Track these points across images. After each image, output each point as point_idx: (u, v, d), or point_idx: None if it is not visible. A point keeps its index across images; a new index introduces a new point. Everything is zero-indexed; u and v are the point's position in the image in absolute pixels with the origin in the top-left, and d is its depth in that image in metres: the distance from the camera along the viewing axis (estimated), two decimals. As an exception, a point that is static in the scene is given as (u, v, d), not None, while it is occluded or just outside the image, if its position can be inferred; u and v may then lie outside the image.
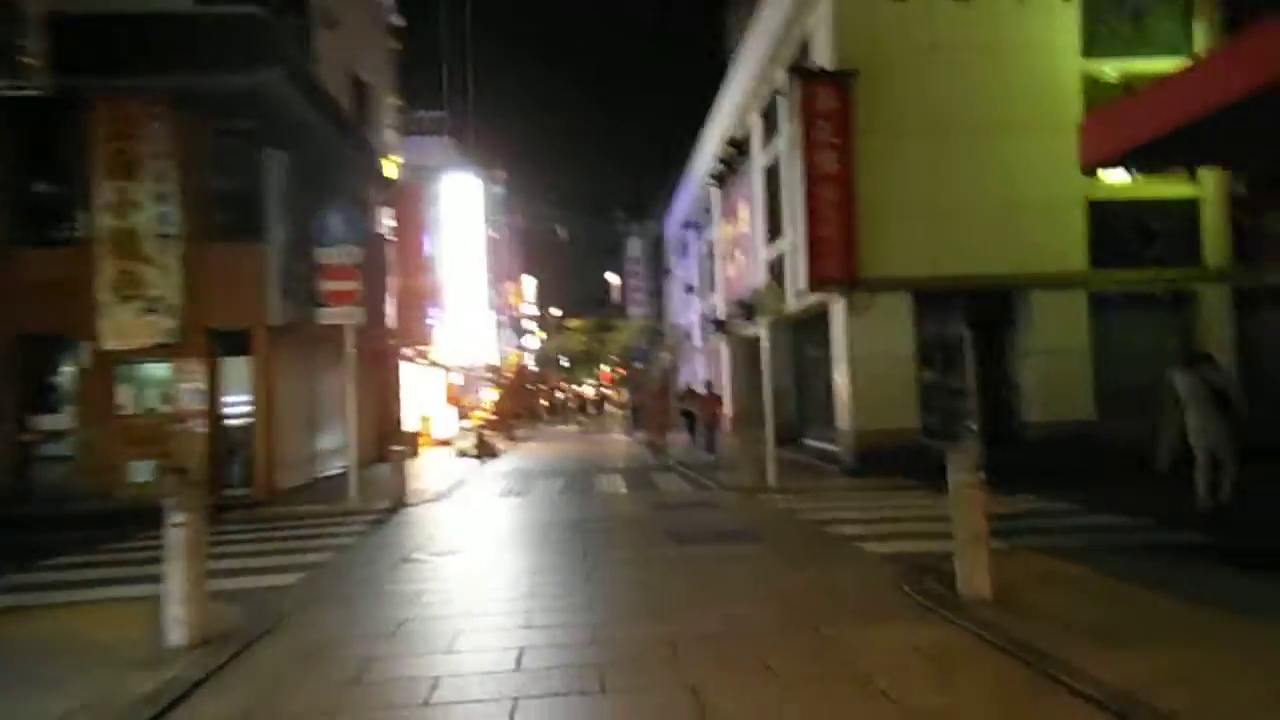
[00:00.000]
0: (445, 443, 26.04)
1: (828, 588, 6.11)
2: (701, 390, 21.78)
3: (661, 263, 46.02)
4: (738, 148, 22.15)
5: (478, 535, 8.99)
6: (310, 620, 5.78)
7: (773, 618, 5.37)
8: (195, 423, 12.92)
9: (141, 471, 12.83)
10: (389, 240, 20.62)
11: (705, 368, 31.03)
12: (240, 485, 13.22)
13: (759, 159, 19.93)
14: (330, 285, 11.72)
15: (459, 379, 30.35)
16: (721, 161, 23.89)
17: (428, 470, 17.61)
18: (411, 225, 21.02)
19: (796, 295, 15.75)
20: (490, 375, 35.91)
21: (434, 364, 25.86)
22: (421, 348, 23.33)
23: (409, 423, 22.39)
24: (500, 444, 24.82)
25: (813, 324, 16.73)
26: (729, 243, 24.33)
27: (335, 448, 17.12)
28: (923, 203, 13.90)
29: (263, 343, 13.13)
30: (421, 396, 25.35)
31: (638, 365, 45.35)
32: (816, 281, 13.48)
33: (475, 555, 7.78)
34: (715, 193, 26.27)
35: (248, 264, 13.00)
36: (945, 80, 13.90)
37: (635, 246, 49.40)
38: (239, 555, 8.28)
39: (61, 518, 11.89)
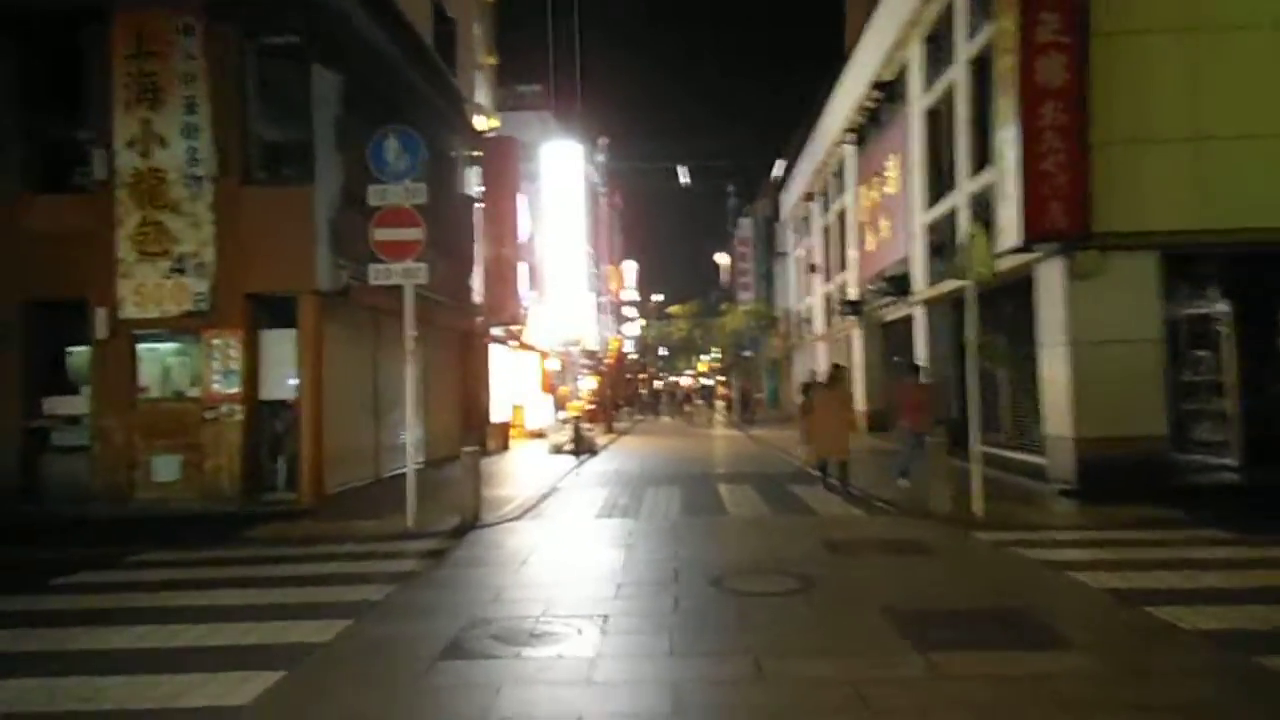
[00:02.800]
0: (539, 435, 23.41)
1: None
2: (819, 379, 18.29)
3: (774, 244, 42.40)
4: (886, 91, 18.48)
5: (572, 593, 5.94)
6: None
7: None
8: (229, 410, 10.41)
9: (165, 469, 10.41)
10: (477, 203, 17.96)
11: (827, 357, 27.43)
12: (283, 488, 10.67)
13: (919, 101, 16.27)
14: (383, 234, 8.92)
15: (555, 365, 27.72)
16: (864, 112, 20.24)
17: (514, 471, 14.82)
18: (504, 188, 18.30)
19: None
20: (589, 362, 33.21)
21: (527, 347, 23.21)
22: (514, 328, 20.66)
23: (498, 413, 19.77)
24: (599, 437, 21.99)
25: (997, 297, 13.07)
26: (868, 210, 20.69)
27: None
28: (1179, 129, 10.11)
29: (311, 312, 10.51)
30: (513, 383, 22.76)
31: (747, 354, 41.95)
32: (1034, 234, 9.87)
33: (570, 644, 4.70)
34: (851, 153, 22.61)
35: (293, 212, 10.40)
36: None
37: (746, 227, 45.86)
38: (216, 617, 5.48)
39: (70, 523, 9.56)
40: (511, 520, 9.29)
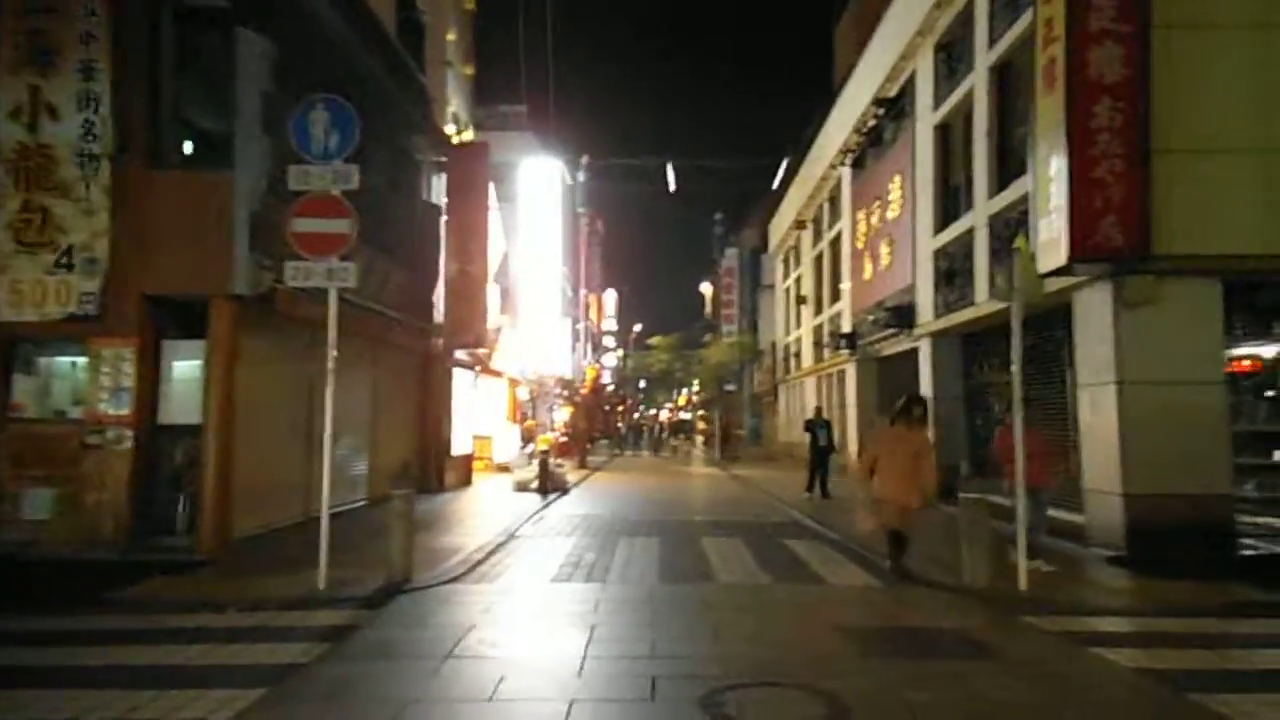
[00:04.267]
0: (506, 469, 21.63)
1: None
2: (815, 417, 16.72)
3: (760, 276, 41.07)
4: (889, 108, 17.16)
5: (507, 716, 4.23)
6: None
7: None
8: (116, 435, 8.62)
9: (35, 504, 8.57)
10: (443, 216, 16.34)
11: (816, 393, 25.91)
12: (184, 531, 8.85)
13: (928, 116, 14.91)
14: (304, 225, 7.25)
15: (525, 394, 25.98)
16: (863, 132, 18.91)
17: (470, 512, 13.03)
18: (472, 198, 16.69)
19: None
20: (563, 392, 31.48)
21: (493, 373, 21.48)
22: (480, 352, 18.94)
23: (461, 444, 17.98)
24: (571, 473, 20.23)
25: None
26: (867, 237, 19.28)
27: (350, 475, 12.76)
28: (1248, 139, 8.72)
29: (224, 319, 8.77)
30: (479, 412, 20.99)
31: (729, 388, 40.42)
32: (1081, 253, 8.37)
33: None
34: (848, 177, 21.28)
35: (207, 202, 8.71)
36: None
37: (731, 257, 44.49)
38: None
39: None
40: (450, 581, 7.53)
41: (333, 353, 7.30)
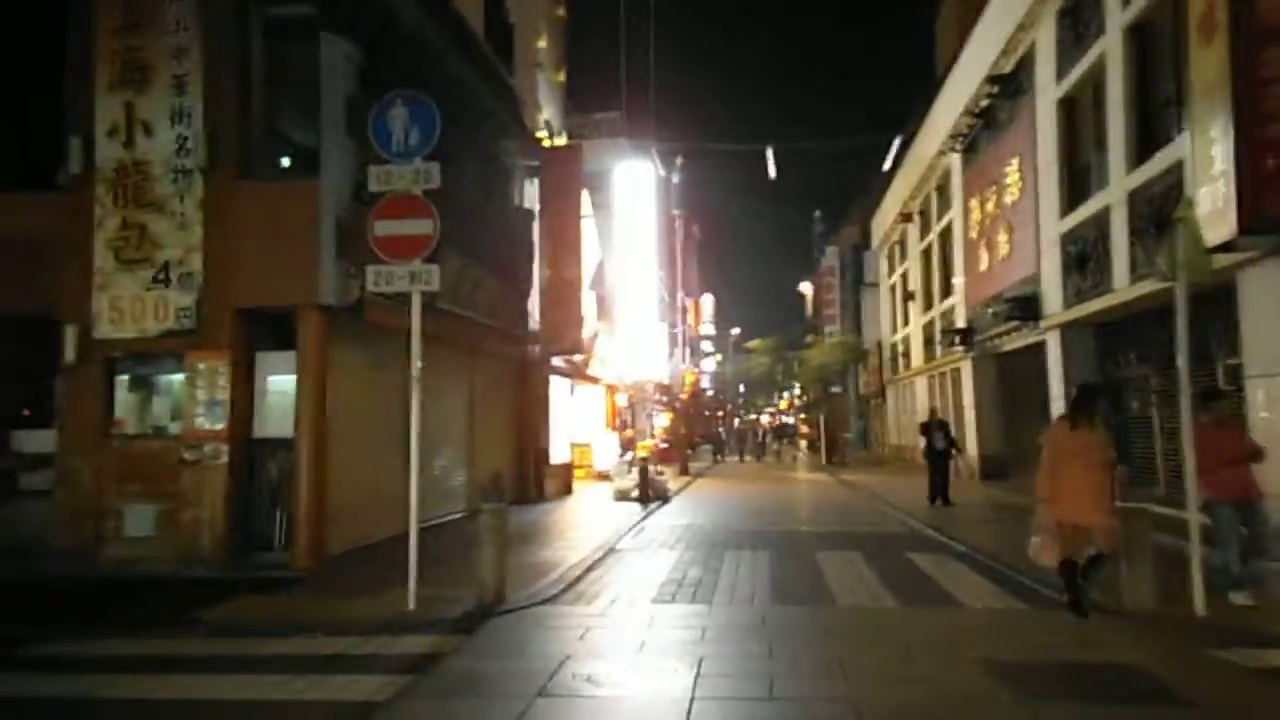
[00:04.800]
0: (607, 477, 21.24)
1: None
2: (930, 418, 15.57)
3: (862, 274, 39.58)
4: (1004, 86, 15.92)
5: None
6: None
7: None
8: (213, 450, 8.55)
9: (138, 521, 8.58)
10: (535, 221, 16.06)
11: (926, 394, 24.55)
12: (281, 546, 8.70)
13: (1050, 90, 13.69)
14: (386, 227, 6.93)
15: (623, 401, 25.59)
16: (974, 114, 17.67)
17: (569, 523, 12.61)
18: (566, 202, 16.39)
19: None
20: (661, 397, 30.96)
21: (592, 380, 21.14)
22: (577, 359, 18.61)
23: (559, 452, 17.68)
24: (672, 481, 19.66)
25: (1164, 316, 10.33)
26: (981, 225, 18.01)
27: (448, 486, 12.54)
28: None
29: (314, 330, 8.60)
30: (578, 419, 20.70)
31: (834, 389, 39.08)
32: (1251, 222, 7.22)
33: None
34: (958, 164, 20.00)
35: (295, 210, 8.56)
36: None
37: (831, 255, 43.09)
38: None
39: (17, 586, 7.75)
40: (546, 601, 7.04)
41: (417, 363, 6.93)
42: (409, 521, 7.16)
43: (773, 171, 20.10)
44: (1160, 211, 9.82)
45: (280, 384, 8.91)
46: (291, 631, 6.14)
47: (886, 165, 25.92)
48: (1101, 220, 11.76)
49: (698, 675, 4.80)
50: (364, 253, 7.73)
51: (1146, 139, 10.65)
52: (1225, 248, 7.64)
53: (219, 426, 8.55)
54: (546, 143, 17.47)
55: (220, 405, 8.56)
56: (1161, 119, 10.33)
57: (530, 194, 16.20)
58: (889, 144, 24.79)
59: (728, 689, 4.59)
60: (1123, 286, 11.05)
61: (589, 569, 8.57)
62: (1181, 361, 6.38)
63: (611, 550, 9.93)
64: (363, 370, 9.76)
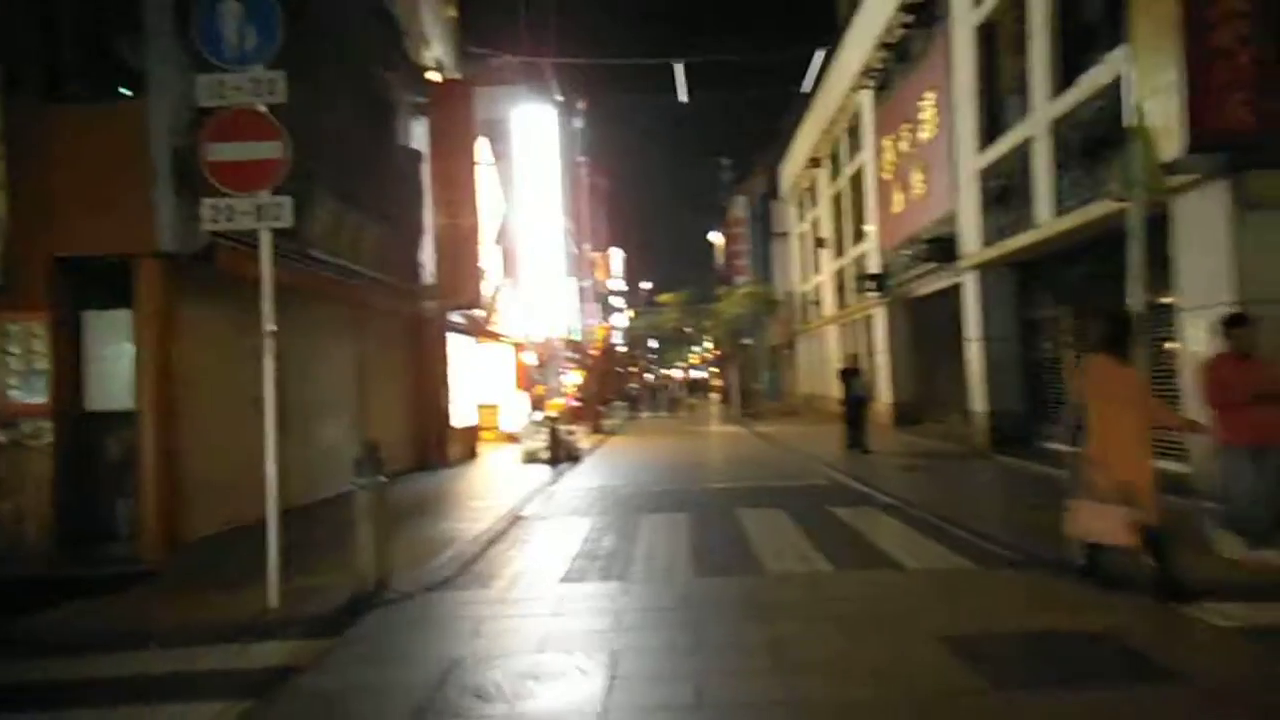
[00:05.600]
0: (515, 439, 20.23)
1: None
2: (849, 364, 15.17)
3: (770, 223, 39.22)
4: (918, 14, 15.32)
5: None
6: None
7: None
8: (34, 429, 7.19)
9: (-58, 514, 7.18)
10: (419, 160, 14.70)
11: (840, 342, 24.34)
12: (126, 535, 7.46)
13: (967, 16, 13.13)
14: (221, 151, 5.71)
15: (532, 358, 24.51)
16: (886, 48, 17.07)
17: (471, 491, 11.62)
18: (458, 144, 15.05)
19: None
20: (573, 354, 29.99)
21: (493, 336, 19.98)
22: (477, 314, 17.42)
23: (463, 415, 16.56)
24: (583, 440, 18.84)
25: (1095, 248, 10.02)
26: (895, 165, 17.55)
27: (334, 459, 11.32)
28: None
29: (154, 283, 7.29)
30: (483, 380, 19.55)
31: (746, 342, 38.84)
32: (1204, 138, 6.71)
33: None
34: (869, 103, 19.46)
35: (120, 138, 7.19)
36: None
37: (740, 205, 42.60)
38: None
39: None
40: (435, 587, 6.09)
41: (268, 320, 5.76)
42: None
43: (683, 94, 19.06)
44: (1088, 139, 9.36)
45: (119, 349, 7.57)
46: (119, 644, 5.03)
47: (807, 87, 25.13)
48: (1022, 153, 11.31)
49: (612, 679, 3.97)
50: (211, 188, 6.48)
51: (1072, 63, 10.16)
52: (1166, 169, 7.15)
53: (39, 400, 7.19)
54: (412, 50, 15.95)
55: (39, 375, 7.19)
56: (1089, 41, 9.82)
57: (419, 135, 14.81)
58: (803, 68, 24.18)
59: (647, 696, 3.77)
60: (1046, 220, 10.63)
61: (490, 543, 7.65)
62: (1136, 293, 5.82)
63: (516, 519, 9.03)
64: (223, 330, 8.44)
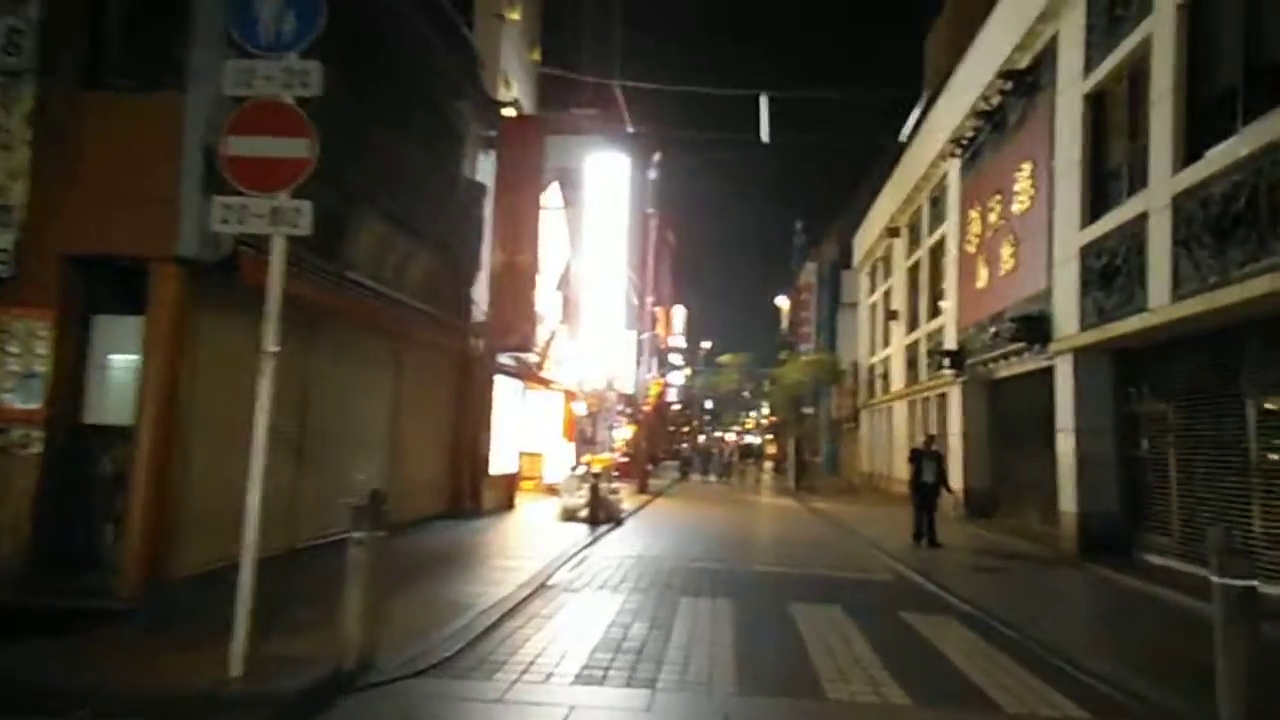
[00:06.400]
0: (556, 491, 19.31)
1: None
2: (925, 445, 13.88)
3: (840, 292, 38.15)
4: (1017, 82, 14.39)
5: None
6: None
7: None
8: (23, 436, 6.55)
9: (-84, 524, 6.53)
10: (483, 194, 14.19)
11: (907, 420, 22.99)
12: (110, 563, 6.71)
13: (1073, 85, 12.17)
14: (243, 145, 5.05)
15: (582, 409, 23.72)
16: (980, 115, 16.15)
17: (499, 548, 10.69)
18: (524, 179, 14.56)
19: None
20: (625, 408, 29.13)
21: (543, 383, 19.24)
22: (528, 357, 16.72)
23: (504, 462, 15.74)
24: (626, 498, 17.82)
25: (1187, 346, 8.85)
26: (981, 238, 16.47)
27: (351, 498, 10.53)
28: None
29: (169, 290, 6.65)
30: (529, 426, 18.77)
31: (806, 410, 37.52)
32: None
33: None
34: (955, 173, 18.48)
35: (150, 131, 6.65)
36: None
37: (810, 271, 41.70)
38: None
39: None
40: (427, 671, 5.14)
41: (269, 345, 5.00)
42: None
43: (766, 132, 18.28)
44: (1221, 215, 8.25)
45: (127, 359, 6.94)
46: (51, 710, 4.20)
47: (904, 135, 24.18)
48: (1135, 230, 10.18)
49: None
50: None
51: (1198, 133, 9.09)
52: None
53: (33, 406, 6.54)
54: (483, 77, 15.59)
55: (37, 379, 6.56)
56: (1222, 108, 8.76)
57: (485, 169, 14.34)
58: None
59: None
60: (1160, 305, 9.45)
61: (506, 616, 6.70)
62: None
63: (541, 588, 8.05)
64: (242, 347, 7.68)
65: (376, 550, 5.21)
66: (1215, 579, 4.64)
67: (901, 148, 24.51)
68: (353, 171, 8.79)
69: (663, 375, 42.20)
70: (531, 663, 5.41)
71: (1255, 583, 4.56)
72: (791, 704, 4.79)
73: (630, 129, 23.58)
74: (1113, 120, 11.44)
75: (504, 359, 15.41)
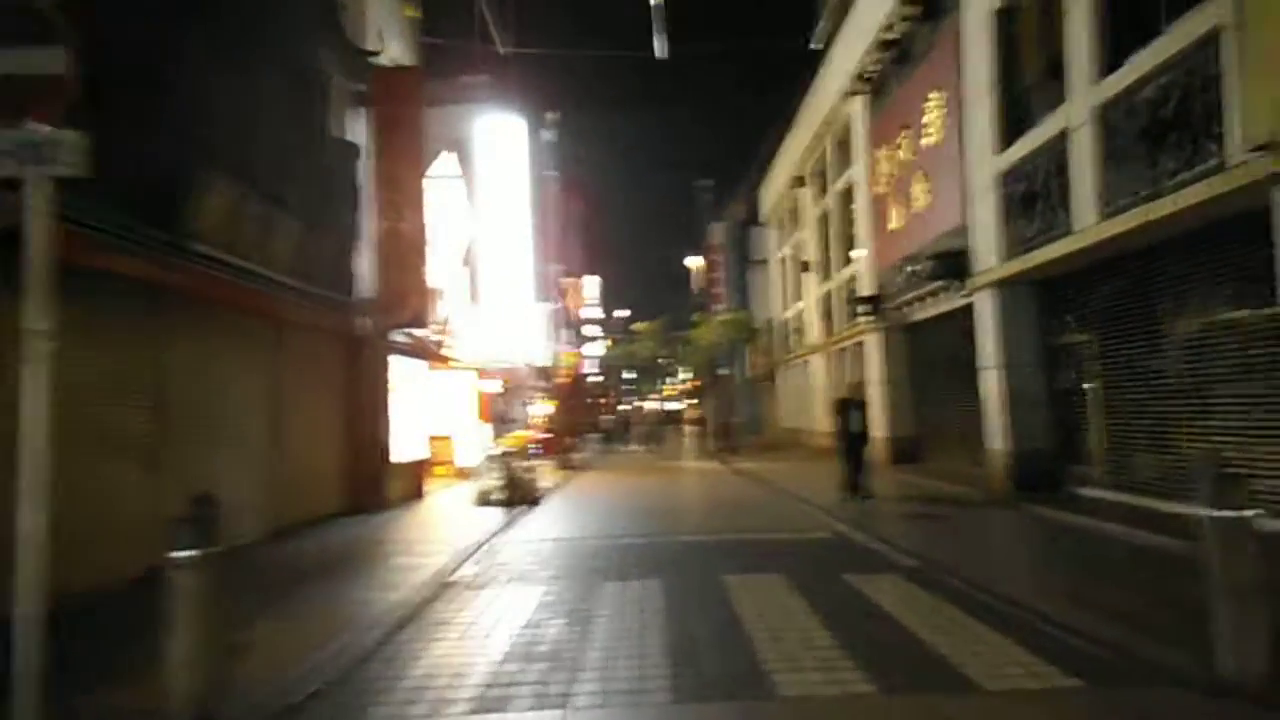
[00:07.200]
0: (470, 475, 18.19)
1: None
2: (850, 393, 13.29)
3: (747, 250, 37.76)
4: (922, 5, 13.80)
5: None
6: None
7: None
8: None
9: None
10: (356, 155, 12.86)
11: (827, 372, 22.66)
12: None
13: (980, 2, 11.61)
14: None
15: (494, 386, 22.53)
16: (884, 46, 15.55)
17: (398, 541, 9.59)
18: (403, 137, 13.23)
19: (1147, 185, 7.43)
20: (541, 383, 28.04)
21: (444, 361, 18.02)
22: (427, 335, 15.49)
23: (408, 448, 14.53)
24: (547, 476, 16.85)
25: (1110, 270, 8.41)
26: (891, 177, 15.97)
27: (238, 502, 9.30)
28: None
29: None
30: (436, 409, 17.54)
31: (722, 371, 37.12)
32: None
33: None
34: (861, 112, 17.93)
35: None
36: None
37: (718, 232, 41.17)
38: None
39: None
40: (284, 713, 4.12)
41: (35, 324, 3.84)
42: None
43: (661, 48, 17.25)
44: (1153, 121, 7.73)
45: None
46: None
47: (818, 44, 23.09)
48: (1055, 148, 9.69)
49: None
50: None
51: (1119, 39, 8.58)
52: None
53: None
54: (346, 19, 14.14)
55: None
56: (1141, 7, 8.23)
57: (358, 129, 12.98)
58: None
59: None
60: (1086, 226, 8.98)
61: (397, 627, 5.68)
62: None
63: (444, 587, 7.06)
64: (73, 343, 6.46)
65: (211, 572, 4.13)
66: (1208, 512, 4.01)
67: (802, 95, 23.92)
68: (184, 121, 7.48)
69: (578, 347, 41.17)
70: (418, 688, 4.43)
71: (1257, 511, 3.93)
72: (739, 710, 3.96)
73: (503, 49, 22.12)
74: (1024, 35, 10.92)
75: (399, 337, 14.15)
